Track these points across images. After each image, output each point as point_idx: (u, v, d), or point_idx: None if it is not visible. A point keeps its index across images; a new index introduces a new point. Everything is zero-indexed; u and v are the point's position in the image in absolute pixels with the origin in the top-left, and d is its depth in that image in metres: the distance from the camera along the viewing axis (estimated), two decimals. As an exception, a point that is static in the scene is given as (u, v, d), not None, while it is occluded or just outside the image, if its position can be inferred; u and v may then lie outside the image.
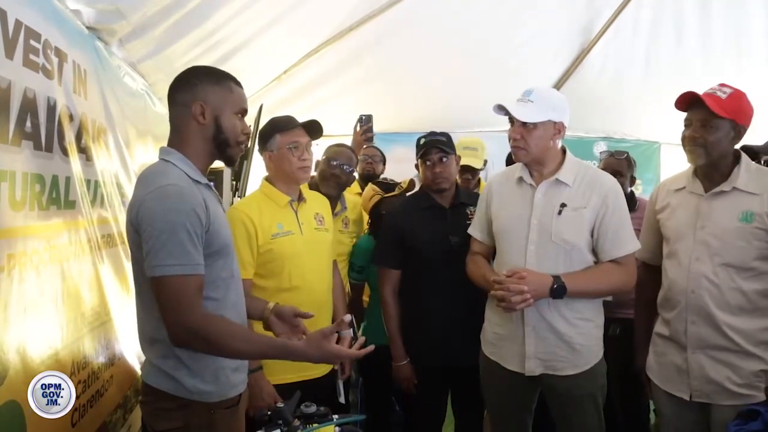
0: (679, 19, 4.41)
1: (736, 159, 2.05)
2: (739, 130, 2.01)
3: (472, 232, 2.39)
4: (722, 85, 2.03)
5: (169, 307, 1.45)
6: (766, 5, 4.20)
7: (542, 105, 2.06)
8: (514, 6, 4.24)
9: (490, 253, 2.36)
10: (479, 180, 3.38)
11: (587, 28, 4.64)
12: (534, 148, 2.09)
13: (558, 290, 2.01)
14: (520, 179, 2.20)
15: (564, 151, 2.19)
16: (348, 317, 1.61)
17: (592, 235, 2.10)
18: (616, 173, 2.90)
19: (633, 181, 3.03)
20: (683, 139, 2.09)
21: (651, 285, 2.28)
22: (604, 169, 2.98)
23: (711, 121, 1.97)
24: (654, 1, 4.36)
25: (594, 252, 2.14)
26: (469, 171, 3.35)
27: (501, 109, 2.10)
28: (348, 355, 1.56)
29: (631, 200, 2.90)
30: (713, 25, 4.37)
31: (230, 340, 1.49)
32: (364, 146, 3.69)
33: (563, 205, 2.09)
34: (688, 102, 2.05)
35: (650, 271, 2.30)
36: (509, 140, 2.13)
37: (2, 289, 1.44)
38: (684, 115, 2.10)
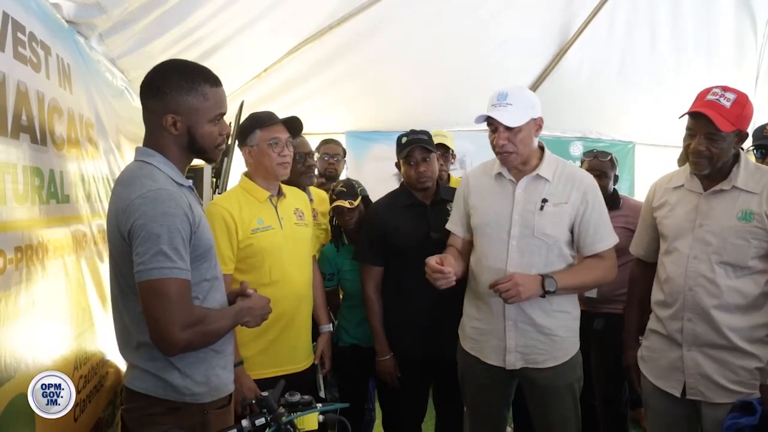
0: (652, 22, 4.54)
1: (735, 158, 2.01)
2: (743, 135, 1.99)
3: (450, 227, 2.40)
4: (725, 89, 1.95)
5: (163, 309, 1.39)
6: (733, 8, 4.36)
7: (521, 106, 2.07)
8: (492, 6, 4.31)
9: (468, 248, 2.35)
10: (449, 176, 3.38)
11: (564, 29, 4.73)
12: (523, 149, 2.10)
13: (549, 284, 2.03)
14: (499, 174, 2.21)
15: (542, 147, 2.21)
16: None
17: (571, 231, 2.14)
18: (602, 174, 2.96)
19: (616, 180, 3.09)
20: (686, 148, 2.02)
21: (644, 282, 2.28)
22: (588, 169, 3.02)
23: (717, 134, 1.92)
24: (628, 3, 4.48)
25: (573, 247, 2.18)
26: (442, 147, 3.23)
27: (481, 117, 2.11)
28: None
29: (615, 199, 2.97)
30: (685, 28, 4.51)
31: (213, 328, 1.52)
32: (325, 141, 3.59)
33: (545, 201, 2.12)
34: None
35: (644, 268, 2.31)
36: (494, 147, 2.13)
37: (12, 281, 1.43)
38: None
